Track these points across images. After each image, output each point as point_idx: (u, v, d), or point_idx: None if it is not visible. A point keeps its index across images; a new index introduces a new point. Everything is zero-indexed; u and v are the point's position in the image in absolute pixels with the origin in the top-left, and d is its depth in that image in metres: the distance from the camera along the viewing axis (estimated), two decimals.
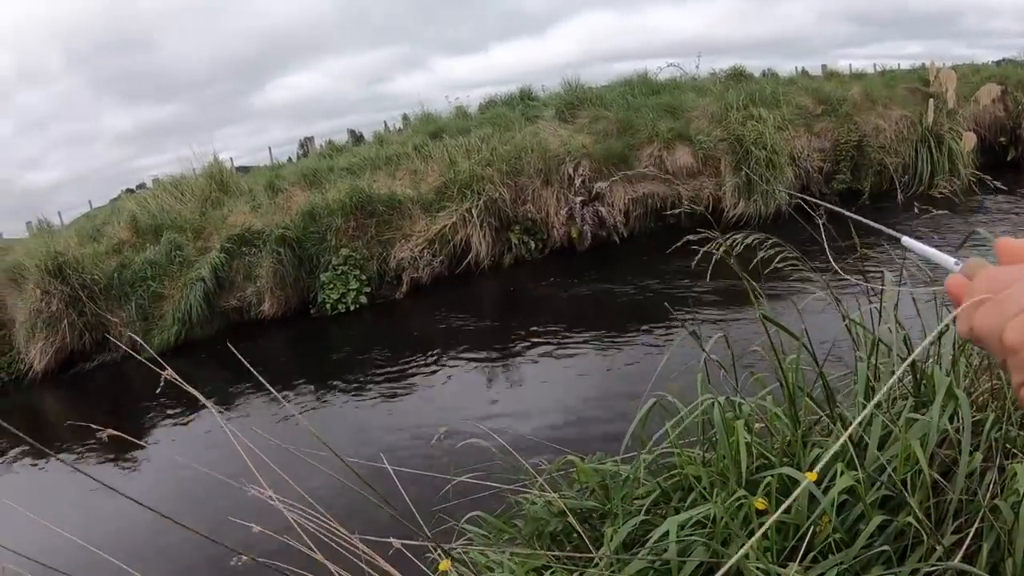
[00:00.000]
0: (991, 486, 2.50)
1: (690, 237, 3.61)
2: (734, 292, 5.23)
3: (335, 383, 8.43)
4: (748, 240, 3.57)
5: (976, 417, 2.99)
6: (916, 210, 5.02)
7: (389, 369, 8.71)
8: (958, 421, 2.72)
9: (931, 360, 3.20)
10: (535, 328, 9.21)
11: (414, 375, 8.38)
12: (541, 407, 6.93)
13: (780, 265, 3.59)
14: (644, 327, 8.43)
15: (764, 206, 12.94)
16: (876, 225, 0.97)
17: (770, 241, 3.61)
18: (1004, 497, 2.44)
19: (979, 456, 2.65)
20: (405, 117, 17.82)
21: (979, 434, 2.91)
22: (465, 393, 7.75)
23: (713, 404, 3.03)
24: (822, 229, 3.13)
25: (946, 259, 0.69)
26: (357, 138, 18.58)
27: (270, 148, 18.32)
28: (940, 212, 4.31)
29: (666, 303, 3.94)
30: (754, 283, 3.40)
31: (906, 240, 0.81)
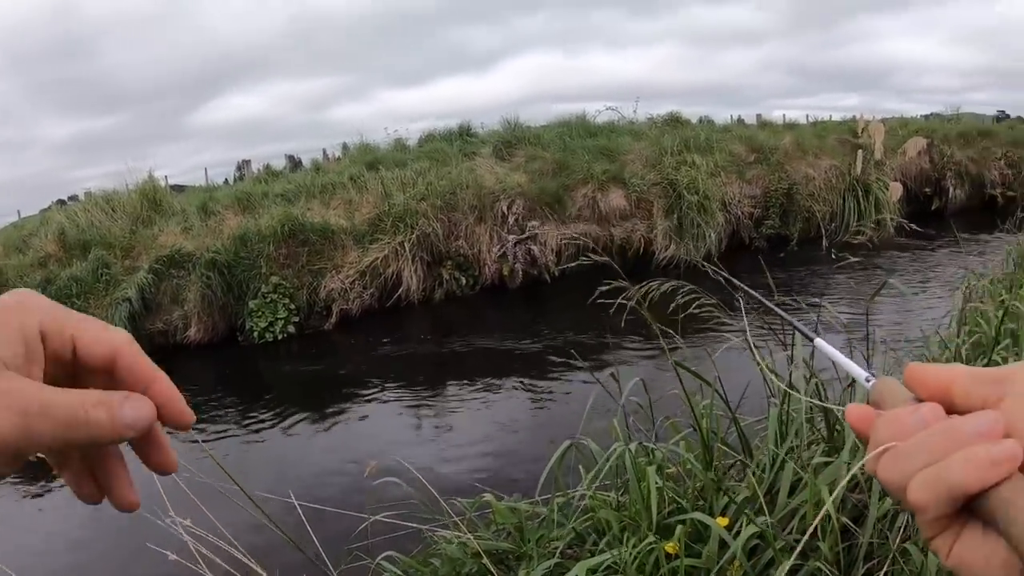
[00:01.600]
0: (902, 530, 2.56)
1: (602, 288, 3.69)
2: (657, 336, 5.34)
3: (260, 414, 8.34)
4: (663, 288, 3.68)
5: None
6: (834, 256, 5.20)
7: (315, 402, 8.65)
8: None
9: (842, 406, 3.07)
10: (463, 365, 9.23)
11: (340, 409, 8.33)
12: (466, 445, 6.93)
13: (696, 311, 3.71)
14: (571, 368, 8.51)
15: (695, 249, 13.16)
16: (793, 322, 0.95)
17: (686, 287, 3.71)
18: (915, 540, 2.50)
19: (889, 501, 2.70)
20: (345, 146, 17.80)
21: None
22: (390, 429, 7.71)
23: (628, 448, 3.06)
24: (742, 304, 3.18)
25: (857, 372, 0.63)
26: (295, 164, 18.49)
27: (206, 169, 18.17)
28: (856, 259, 4.43)
29: (573, 351, 4.03)
30: (670, 331, 3.50)
31: (819, 342, 0.76)
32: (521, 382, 8.49)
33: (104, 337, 0.50)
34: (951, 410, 0.49)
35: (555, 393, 8.00)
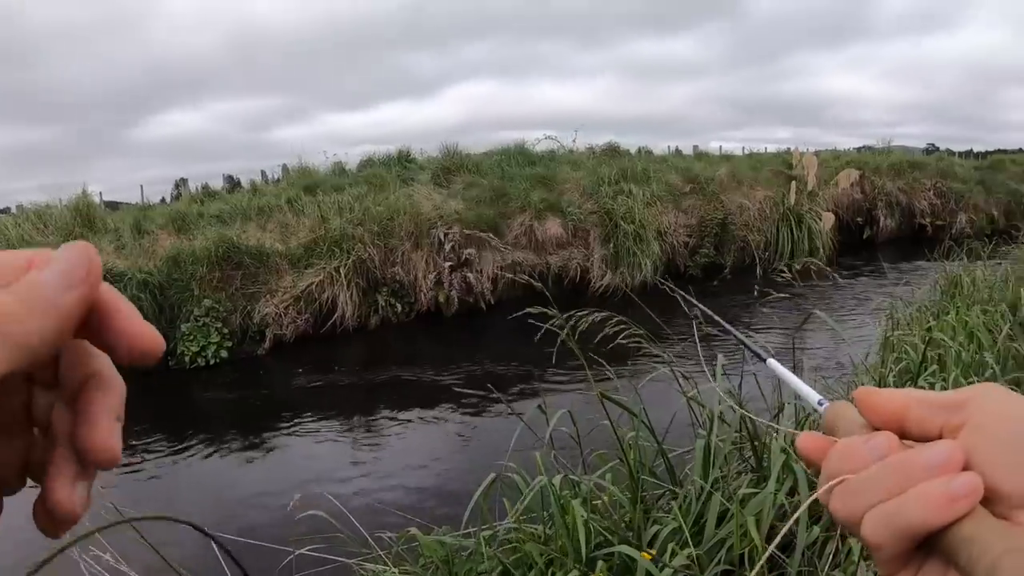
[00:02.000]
0: (831, 557, 2.58)
1: (531, 314, 3.70)
2: (591, 367, 5.34)
3: (188, 442, 8.18)
4: (593, 317, 3.71)
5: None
6: (756, 293, 5.28)
7: (245, 430, 8.53)
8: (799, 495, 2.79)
9: (770, 436, 3.27)
10: (396, 394, 9.19)
11: (270, 438, 8.23)
12: (397, 477, 6.87)
13: (624, 341, 3.73)
14: (505, 397, 8.55)
15: (630, 277, 13.32)
16: (744, 341, 0.90)
17: (615, 318, 3.73)
18: (843, 568, 2.53)
19: (817, 529, 2.74)
20: (285, 168, 17.57)
21: (821, 507, 3.10)
22: (321, 459, 7.62)
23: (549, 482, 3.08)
24: (695, 326, 3.19)
25: (809, 394, 0.61)
26: (234, 184, 18.24)
27: (142, 186, 17.80)
28: (783, 295, 4.44)
29: (490, 384, 4.06)
30: (601, 360, 3.56)
31: (771, 363, 0.75)
32: (453, 412, 8.49)
33: (6, 257, 0.39)
34: (907, 437, 0.47)
35: (487, 424, 8.01)
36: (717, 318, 1.16)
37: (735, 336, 0.95)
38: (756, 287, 5.21)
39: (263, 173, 18.39)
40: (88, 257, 0.39)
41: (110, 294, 0.41)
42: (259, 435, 8.34)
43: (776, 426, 3.43)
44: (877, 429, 0.48)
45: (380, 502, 5.95)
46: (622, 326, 3.74)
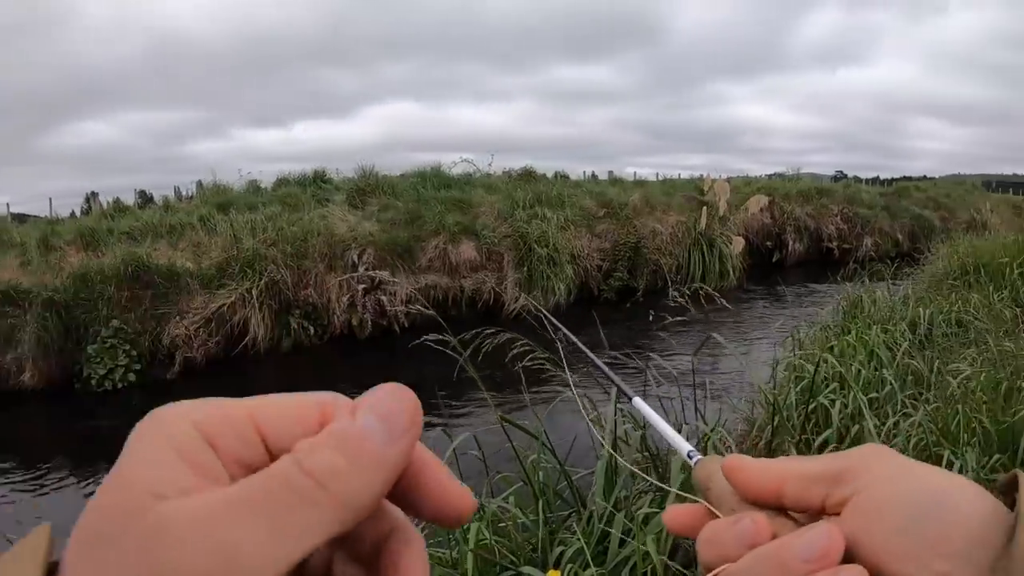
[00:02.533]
0: None
1: (427, 338, 3.76)
2: (499, 389, 5.38)
3: (94, 471, 8.08)
4: (497, 339, 3.77)
5: None
6: (651, 318, 5.41)
7: None
8: None
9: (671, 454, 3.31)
10: None
11: None
12: None
13: (530, 364, 3.80)
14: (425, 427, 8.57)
15: (544, 300, 13.47)
16: (614, 379, 0.83)
17: (520, 341, 3.81)
18: None
19: None
20: (200, 184, 17.31)
21: None
22: None
23: None
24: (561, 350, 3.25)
25: (680, 445, 0.58)
26: (146, 199, 17.91)
27: (51, 199, 17.32)
28: (676, 319, 4.51)
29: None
30: (507, 383, 3.61)
31: (637, 402, 0.71)
32: None
33: (291, 408, 0.35)
34: (785, 508, 0.45)
35: None
36: (584, 348, 1.08)
37: (603, 370, 0.89)
38: (651, 312, 5.32)
39: (176, 189, 18.16)
40: (409, 401, 0.35)
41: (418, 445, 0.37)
42: None
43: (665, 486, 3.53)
44: (752, 500, 0.46)
45: None
46: (526, 348, 3.81)
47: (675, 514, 0.50)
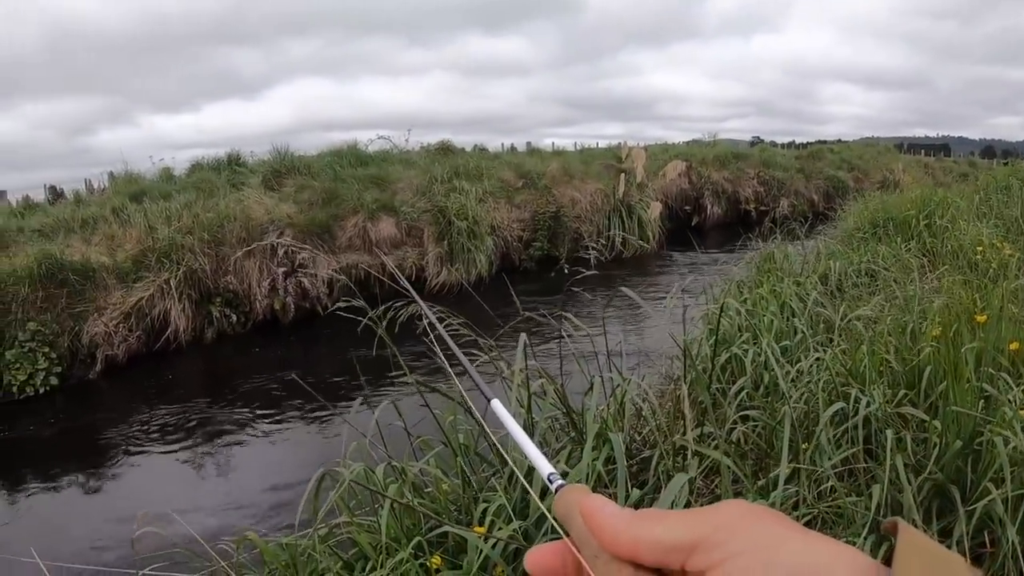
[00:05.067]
0: None
1: (340, 305, 3.81)
2: (418, 359, 5.43)
3: (24, 478, 7.79)
4: (407, 311, 3.83)
5: (645, 454, 3.33)
6: (566, 271, 5.49)
7: (84, 459, 8.13)
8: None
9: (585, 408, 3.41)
10: (236, 407, 9.03)
11: (111, 463, 7.93)
12: (242, 489, 6.75)
13: (451, 332, 3.81)
14: (344, 398, 8.54)
15: (466, 273, 13.55)
16: (473, 374, 0.81)
17: (435, 308, 3.81)
18: None
19: (637, 492, 2.91)
20: (112, 175, 16.87)
21: (646, 471, 3.20)
22: (164, 480, 7.38)
23: (365, 471, 3.18)
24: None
25: (540, 464, 0.55)
26: (57, 195, 17.50)
27: None
28: (590, 273, 4.56)
29: (322, 387, 4.09)
30: (428, 352, 3.68)
31: (495, 404, 0.69)
32: (293, 420, 8.45)
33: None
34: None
35: (326, 428, 8.05)
36: (449, 339, 1.06)
37: (465, 367, 0.87)
38: (565, 266, 5.39)
39: (87, 182, 17.74)
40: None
41: None
42: (98, 463, 8.08)
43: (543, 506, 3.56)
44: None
45: (227, 516, 5.95)
46: (442, 317, 3.88)
47: (538, 558, 0.48)
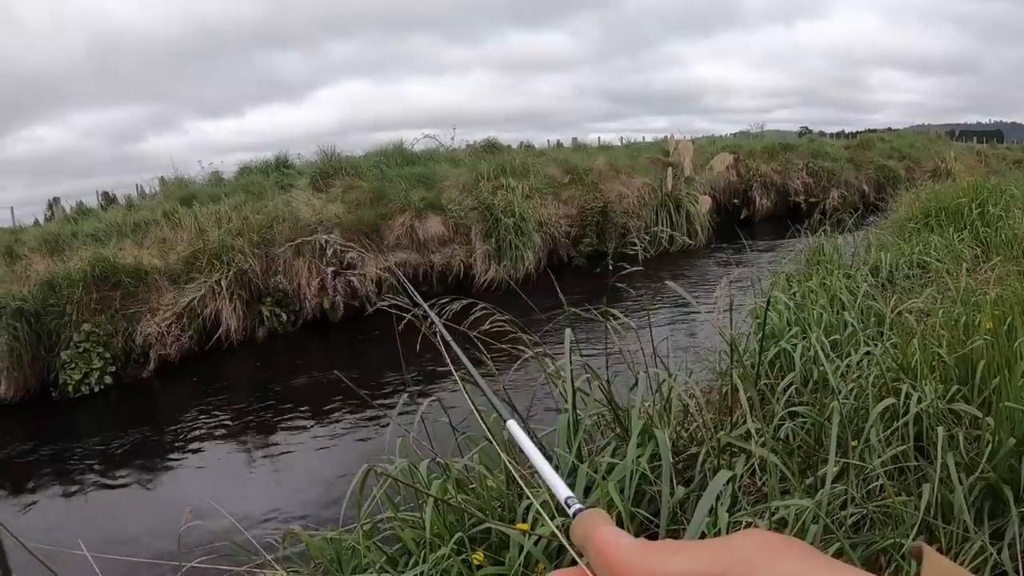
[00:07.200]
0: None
1: (381, 303, 3.86)
2: (465, 354, 5.41)
3: (78, 473, 7.94)
4: (455, 307, 3.77)
5: (692, 451, 3.28)
6: (611, 267, 5.45)
7: (136, 455, 8.21)
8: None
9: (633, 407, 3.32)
10: (287, 405, 9.08)
11: (162, 460, 8.00)
12: (292, 484, 6.82)
13: (498, 329, 3.84)
14: (392, 397, 8.54)
15: (514, 270, 13.56)
16: (487, 392, 0.83)
17: (479, 306, 3.85)
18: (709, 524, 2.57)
19: (682, 490, 2.88)
20: (162, 180, 17.18)
21: (692, 467, 3.16)
22: (216, 476, 7.41)
23: (409, 467, 3.21)
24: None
25: (559, 488, 0.54)
26: (109, 200, 17.78)
27: (12, 208, 17.14)
28: (636, 268, 4.48)
29: (372, 383, 4.10)
30: (483, 350, 3.67)
31: (511, 425, 0.69)
32: (343, 417, 8.45)
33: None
34: None
35: (375, 423, 8.06)
36: (456, 349, 1.06)
37: (480, 386, 0.86)
38: (611, 263, 5.33)
39: (139, 187, 17.96)
40: None
41: None
42: (149, 459, 8.18)
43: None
44: None
45: (276, 511, 5.99)
46: (485, 313, 3.87)
47: None
